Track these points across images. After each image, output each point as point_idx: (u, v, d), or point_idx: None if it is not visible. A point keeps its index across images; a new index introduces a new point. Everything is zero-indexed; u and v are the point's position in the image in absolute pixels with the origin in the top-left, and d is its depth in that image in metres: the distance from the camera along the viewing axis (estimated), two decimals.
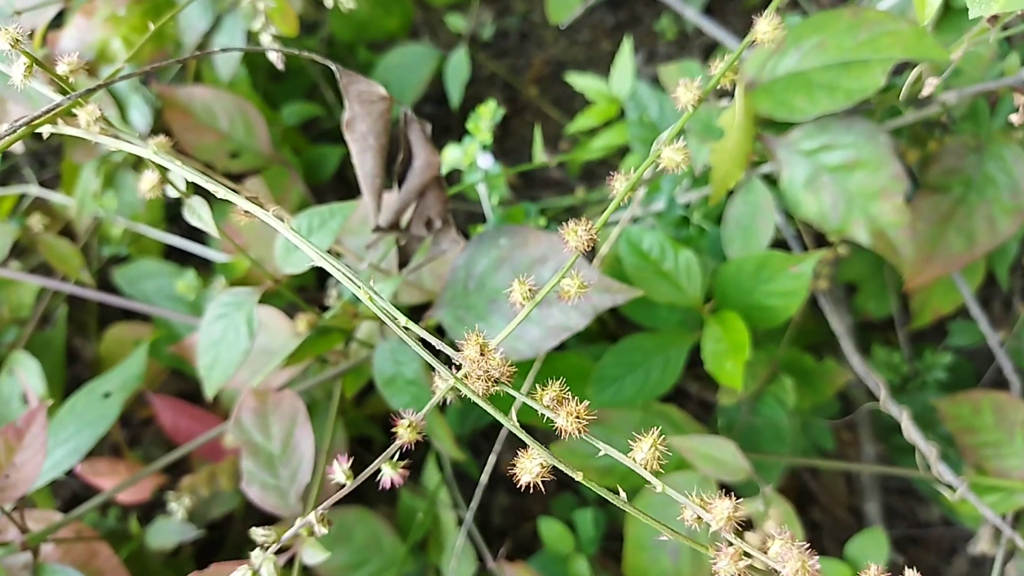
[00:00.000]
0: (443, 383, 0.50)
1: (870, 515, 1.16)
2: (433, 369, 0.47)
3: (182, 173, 0.45)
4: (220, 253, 1.15)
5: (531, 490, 0.51)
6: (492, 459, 0.86)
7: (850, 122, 0.86)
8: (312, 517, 0.48)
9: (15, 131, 0.49)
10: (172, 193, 0.58)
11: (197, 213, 0.56)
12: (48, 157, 1.47)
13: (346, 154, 1.44)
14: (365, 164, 0.65)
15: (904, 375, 1.26)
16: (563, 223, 0.50)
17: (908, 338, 1.28)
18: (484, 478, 0.86)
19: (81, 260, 1.05)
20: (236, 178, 1.18)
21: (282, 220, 0.50)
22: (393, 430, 0.46)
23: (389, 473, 0.50)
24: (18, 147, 1.09)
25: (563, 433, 0.41)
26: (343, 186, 1.49)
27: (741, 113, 0.85)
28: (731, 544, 0.39)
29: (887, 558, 0.96)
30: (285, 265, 0.68)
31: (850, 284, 1.26)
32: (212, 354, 0.69)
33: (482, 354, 0.41)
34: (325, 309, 0.90)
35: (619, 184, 0.50)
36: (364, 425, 1.14)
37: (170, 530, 0.95)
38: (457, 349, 0.43)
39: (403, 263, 0.75)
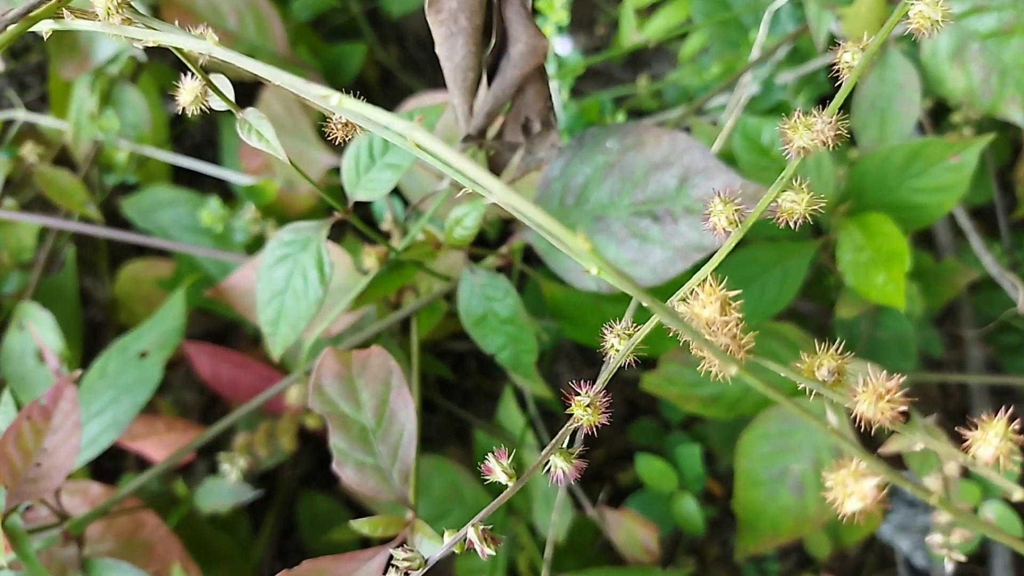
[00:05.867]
0: (618, 340, 0.38)
1: None
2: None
3: (253, 68, 0.30)
4: (241, 176, 1.00)
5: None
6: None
7: None
8: (471, 532, 0.37)
9: (4, 27, 0.35)
10: (218, 105, 0.44)
11: (256, 131, 0.42)
12: (28, 77, 1.30)
13: (368, 53, 1.27)
14: (455, 53, 0.50)
15: (1004, 266, 1.14)
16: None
17: (1009, 226, 1.15)
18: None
19: (85, 193, 0.91)
20: (250, 86, 1.02)
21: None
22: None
23: (561, 465, 0.39)
24: None
25: (861, 420, 0.29)
26: (363, 92, 1.33)
27: None
28: None
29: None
30: (357, 190, 0.54)
31: None
32: (275, 306, 0.56)
33: (724, 313, 0.28)
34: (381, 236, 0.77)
35: (851, 56, 0.36)
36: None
37: (223, 492, 0.84)
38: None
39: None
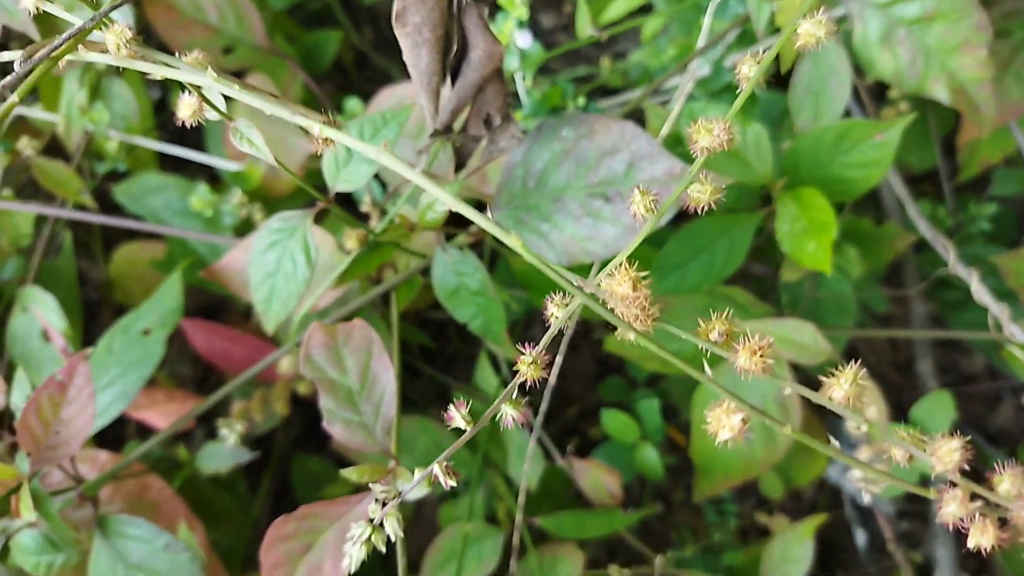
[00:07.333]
0: (557, 308, 0.45)
1: (923, 374, 1.14)
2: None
3: (249, 101, 0.37)
4: (226, 161, 1.06)
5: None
6: (559, 360, 0.81)
7: None
8: (436, 468, 0.44)
9: (34, 66, 0.41)
10: (211, 115, 0.50)
11: (247, 138, 0.48)
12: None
13: (344, 39, 1.32)
14: (420, 61, 0.57)
15: (947, 228, 1.22)
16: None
17: (952, 190, 1.23)
18: (552, 380, 0.82)
19: (80, 182, 0.97)
20: (236, 72, 1.07)
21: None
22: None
23: (511, 413, 0.46)
24: None
25: (742, 372, 0.36)
26: (340, 75, 1.38)
27: None
28: (953, 484, 0.35)
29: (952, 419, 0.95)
30: (337, 182, 0.60)
31: None
32: (268, 286, 0.63)
33: (635, 289, 0.36)
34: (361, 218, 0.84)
35: (748, 69, 0.43)
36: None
37: (223, 455, 0.92)
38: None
39: (459, 166, 0.68)
